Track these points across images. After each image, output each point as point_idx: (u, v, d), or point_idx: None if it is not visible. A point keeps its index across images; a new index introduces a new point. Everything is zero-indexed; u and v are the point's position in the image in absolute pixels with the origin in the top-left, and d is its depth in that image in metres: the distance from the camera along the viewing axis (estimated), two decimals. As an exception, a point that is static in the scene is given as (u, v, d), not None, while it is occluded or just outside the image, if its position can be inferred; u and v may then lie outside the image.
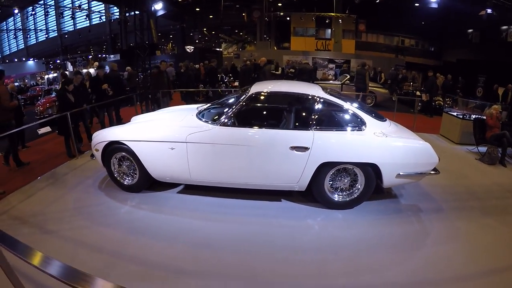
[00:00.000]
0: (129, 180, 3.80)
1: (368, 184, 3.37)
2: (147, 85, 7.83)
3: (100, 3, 26.25)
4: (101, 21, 27.38)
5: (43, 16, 29.33)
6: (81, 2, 24.23)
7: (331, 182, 3.43)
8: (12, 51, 39.20)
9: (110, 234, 2.98)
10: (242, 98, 3.47)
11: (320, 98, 3.42)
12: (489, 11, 8.95)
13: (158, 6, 8.45)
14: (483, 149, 5.64)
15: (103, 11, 27.37)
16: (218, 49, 28.35)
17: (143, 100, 8.12)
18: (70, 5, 27.75)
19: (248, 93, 3.48)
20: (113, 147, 3.65)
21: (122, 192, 3.82)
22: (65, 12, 24.43)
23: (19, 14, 31.05)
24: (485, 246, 2.94)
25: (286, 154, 3.21)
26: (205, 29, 30.82)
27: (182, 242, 2.88)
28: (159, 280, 2.41)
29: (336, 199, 3.45)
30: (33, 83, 19.16)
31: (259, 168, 3.33)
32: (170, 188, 3.91)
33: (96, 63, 17.37)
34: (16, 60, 35.57)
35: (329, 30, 23.29)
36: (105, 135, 3.74)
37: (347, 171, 3.41)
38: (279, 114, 3.76)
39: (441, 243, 2.99)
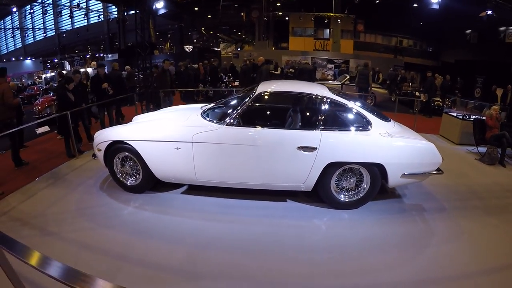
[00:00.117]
0: (132, 180, 3.75)
1: (374, 184, 3.38)
2: (149, 84, 7.78)
3: (98, 2, 26.10)
4: (99, 20, 27.22)
5: (41, 14, 29.11)
6: (79, 1, 24.07)
7: (337, 182, 3.43)
8: (10, 50, 38.83)
9: (114, 236, 2.94)
10: (248, 97, 3.45)
11: (327, 98, 3.42)
12: (489, 12, 9.00)
13: (160, 5, 8.36)
14: (482, 149, 5.69)
15: (101, 10, 27.22)
16: (216, 49, 28.30)
17: (144, 100, 8.06)
18: (68, 4, 27.55)
19: (254, 92, 3.46)
20: (116, 147, 3.61)
21: (125, 193, 3.77)
22: (63, 11, 24.24)
23: (17, 12, 30.75)
24: (489, 244, 3.00)
25: (294, 154, 3.20)
26: (203, 28, 30.76)
27: (190, 244, 2.84)
28: (167, 283, 2.38)
29: (342, 199, 3.46)
30: (30, 83, 19.00)
31: (266, 168, 3.32)
32: (174, 189, 3.87)
33: (94, 63, 17.27)
34: (13, 59, 35.23)
35: (328, 30, 23.35)
36: (107, 135, 3.69)
37: (352, 171, 3.41)
38: (286, 114, 3.75)
39: (446, 241, 3.04)
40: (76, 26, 32.06)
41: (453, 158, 5.65)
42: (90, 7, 27.10)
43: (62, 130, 5.27)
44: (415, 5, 17.36)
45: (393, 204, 3.74)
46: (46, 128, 6.04)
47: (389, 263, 2.68)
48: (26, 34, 34.90)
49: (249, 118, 3.42)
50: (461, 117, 6.70)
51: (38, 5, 27.58)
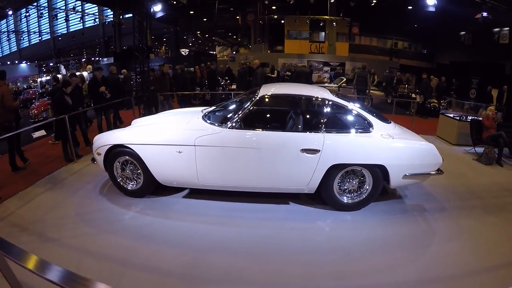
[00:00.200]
0: (132, 184, 3.72)
1: (376, 185, 3.40)
2: (148, 87, 7.74)
3: (94, 5, 25.99)
4: (95, 23, 27.11)
5: (36, 18, 28.91)
6: (75, 4, 23.93)
7: (339, 184, 3.44)
8: (5, 53, 38.46)
9: (117, 241, 2.90)
10: (251, 100, 3.45)
11: (329, 100, 3.45)
12: (484, 14, 9.14)
13: (157, 8, 8.35)
14: (480, 149, 5.75)
15: (97, 13, 27.11)
16: (212, 52, 28.34)
17: (142, 103, 8.02)
18: (64, 7, 27.39)
19: (257, 95, 3.46)
20: (117, 151, 3.57)
21: (125, 197, 3.73)
22: (59, 14, 24.09)
23: (12, 16, 30.49)
24: (490, 242, 3.05)
25: (297, 156, 3.20)
26: (198, 32, 30.79)
27: (193, 248, 2.82)
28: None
29: (345, 201, 3.47)
30: (25, 86, 18.83)
31: (269, 170, 3.32)
32: (175, 193, 3.84)
33: (90, 66, 17.18)
34: (8, 63, 34.89)
35: (323, 33, 23.52)
36: (108, 139, 3.65)
37: (354, 173, 3.43)
38: (288, 117, 3.76)
39: (448, 240, 3.08)
40: (71, 30, 31.94)
41: (451, 159, 5.69)
42: (86, 11, 26.98)
43: (59, 134, 5.20)
44: (409, 7, 17.56)
45: (395, 205, 3.77)
46: (42, 132, 5.96)
47: (393, 263, 2.70)
48: (22, 38, 34.64)
49: (251, 121, 3.42)
50: (458, 118, 6.77)
51: (33, 8, 27.36)
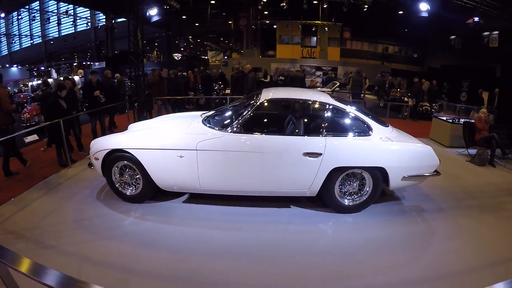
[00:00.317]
0: (131, 190, 3.65)
1: (376, 187, 3.44)
2: (144, 92, 7.68)
3: (86, 9, 25.77)
4: (87, 27, 26.87)
5: (28, 21, 28.49)
6: (68, 8, 23.66)
7: (340, 187, 3.47)
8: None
9: (118, 248, 2.84)
10: (252, 105, 3.46)
11: (329, 104, 3.49)
12: (476, 19, 9.40)
13: (153, 12, 8.33)
14: (472, 151, 5.88)
15: (89, 17, 26.91)
16: (204, 57, 28.35)
17: (137, 108, 7.94)
18: (56, 11, 27.06)
19: (258, 100, 3.48)
20: (115, 156, 3.52)
21: (123, 203, 3.66)
22: (51, 18, 23.76)
23: (3, 19, 29.97)
24: (488, 240, 3.14)
25: (299, 160, 3.22)
26: (190, 37, 30.80)
27: (197, 253, 2.78)
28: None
29: (346, 203, 3.49)
30: (16, 90, 18.47)
31: (272, 174, 3.32)
32: (175, 198, 3.80)
33: (81, 71, 16.98)
34: (-1, 66, 34.24)
35: (315, 38, 23.82)
36: (106, 143, 3.59)
37: (355, 175, 3.46)
38: (290, 121, 3.79)
39: (447, 239, 3.15)
40: (63, 34, 31.57)
41: (445, 161, 5.76)
42: (78, 15, 26.71)
43: (53, 139, 5.10)
44: (400, 12, 17.91)
45: (393, 206, 3.82)
46: (35, 137, 5.84)
47: (396, 262, 2.74)
48: (13, 41, 34.03)
49: (253, 125, 3.42)
50: (450, 120, 6.92)
51: (25, 11, 26.95)
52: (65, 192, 4.09)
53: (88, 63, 30.69)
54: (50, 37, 32.76)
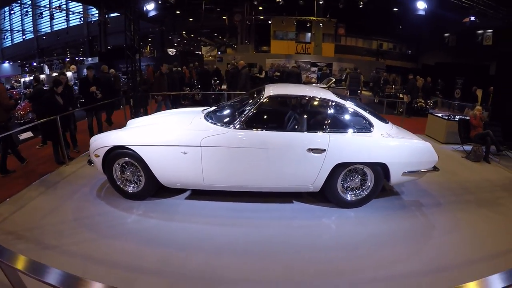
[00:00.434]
0: (133, 187, 3.62)
1: (377, 182, 3.50)
2: (138, 87, 7.58)
3: (79, 4, 25.23)
4: (80, 22, 26.37)
5: (20, 16, 27.78)
6: (61, 2, 23.11)
7: (342, 182, 3.50)
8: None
9: (121, 246, 2.81)
10: (256, 101, 3.46)
11: (332, 101, 3.51)
12: (472, 18, 9.50)
13: (150, 7, 8.20)
14: (468, 147, 6.00)
15: (82, 12, 26.39)
16: (198, 53, 28.10)
17: (132, 104, 7.85)
18: (48, 5, 26.45)
19: (262, 96, 3.47)
20: (116, 152, 3.47)
21: (125, 200, 3.62)
22: (44, 13, 23.21)
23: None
24: (486, 233, 3.24)
25: (304, 156, 3.24)
26: (184, 32, 30.44)
27: (202, 250, 2.78)
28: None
29: (348, 199, 3.54)
30: (8, 87, 18.00)
31: (276, 170, 3.34)
32: (177, 194, 3.78)
33: (73, 66, 16.63)
34: (-10, 62, 33.39)
35: (309, 34, 23.79)
36: (106, 140, 3.54)
37: (356, 171, 3.51)
38: (293, 117, 3.80)
39: (447, 233, 3.24)
40: (55, 29, 30.90)
41: (441, 157, 5.79)
42: (71, 9, 26.17)
43: (50, 136, 5.00)
44: (395, 9, 18.00)
45: (394, 201, 3.90)
46: (29, 134, 5.73)
47: (399, 256, 2.81)
48: (4, 37, 33.17)
49: (257, 121, 3.43)
50: (446, 117, 7.01)
51: (17, 6, 26.28)
52: (64, 190, 4.02)
53: (81, 58, 30.13)
54: (42, 33, 32.06)
